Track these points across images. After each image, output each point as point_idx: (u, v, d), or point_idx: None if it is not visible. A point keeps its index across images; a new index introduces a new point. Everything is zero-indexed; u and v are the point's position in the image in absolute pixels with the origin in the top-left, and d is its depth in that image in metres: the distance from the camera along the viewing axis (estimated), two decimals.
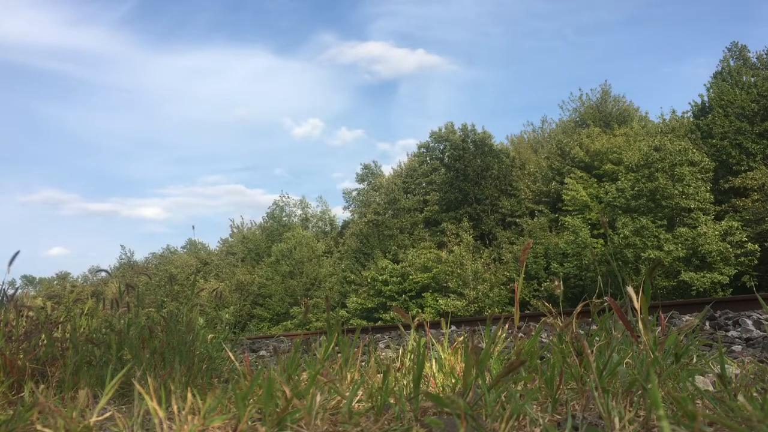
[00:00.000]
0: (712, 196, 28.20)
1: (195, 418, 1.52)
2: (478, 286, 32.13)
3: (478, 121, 74.30)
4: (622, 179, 29.85)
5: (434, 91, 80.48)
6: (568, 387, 1.80)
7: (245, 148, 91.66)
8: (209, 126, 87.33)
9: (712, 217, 27.88)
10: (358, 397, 1.79)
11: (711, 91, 32.52)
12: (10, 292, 3.26)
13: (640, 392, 1.64)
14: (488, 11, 74.34)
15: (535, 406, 1.72)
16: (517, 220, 37.12)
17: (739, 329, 4.84)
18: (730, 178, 28.99)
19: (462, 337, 2.38)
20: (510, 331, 2.79)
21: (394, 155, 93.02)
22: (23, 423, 1.63)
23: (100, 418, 1.69)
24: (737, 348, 3.83)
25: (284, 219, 53.82)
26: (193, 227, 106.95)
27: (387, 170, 46.81)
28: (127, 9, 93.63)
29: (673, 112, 38.59)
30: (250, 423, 1.53)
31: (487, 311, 29.99)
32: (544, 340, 4.91)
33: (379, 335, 8.41)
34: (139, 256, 62.13)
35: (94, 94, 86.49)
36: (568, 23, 73.41)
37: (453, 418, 1.44)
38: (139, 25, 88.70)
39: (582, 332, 2.37)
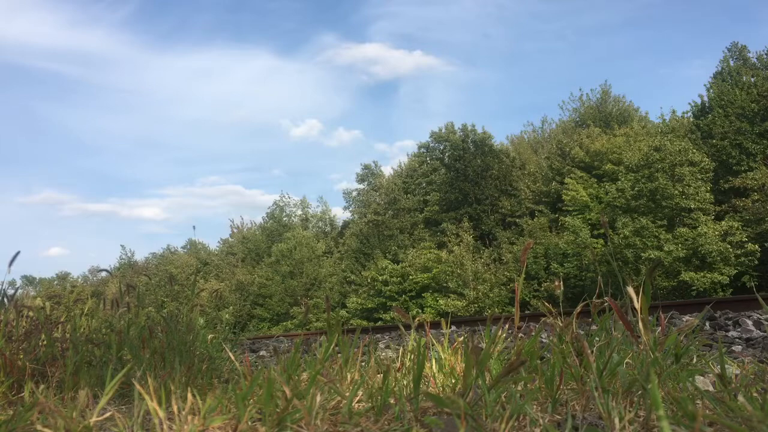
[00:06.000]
0: (712, 196, 28.18)
1: (195, 419, 1.52)
2: (478, 286, 32.12)
3: (478, 122, 74.22)
4: (622, 179, 29.84)
5: (434, 92, 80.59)
6: (568, 387, 1.80)
7: (244, 148, 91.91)
8: (209, 127, 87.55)
9: (712, 217, 27.87)
10: (358, 398, 1.79)
11: (711, 91, 32.53)
12: (10, 292, 3.26)
13: (640, 392, 1.64)
14: (488, 12, 74.41)
15: (535, 406, 1.72)
16: (517, 220, 37.12)
17: (739, 329, 4.84)
18: (730, 178, 28.97)
19: (462, 338, 2.38)
20: (510, 331, 2.79)
21: (392, 156, 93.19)
22: (23, 423, 1.63)
23: (100, 418, 1.69)
24: (737, 348, 3.83)
25: (284, 219, 53.83)
26: (194, 227, 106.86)
27: (387, 171, 46.88)
28: (129, 10, 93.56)
29: (673, 112, 38.57)
30: (250, 423, 1.53)
31: (487, 311, 29.98)
32: (544, 340, 4.90)
33: (379, 335, 8.40)
34: (139, 256, 62.23)
35: (94, 94, 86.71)
36: (568, 24, 73.59)
37: (453, 418, 1.44)
38: (141, 27, 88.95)
39: (582, 332, 2.37)
